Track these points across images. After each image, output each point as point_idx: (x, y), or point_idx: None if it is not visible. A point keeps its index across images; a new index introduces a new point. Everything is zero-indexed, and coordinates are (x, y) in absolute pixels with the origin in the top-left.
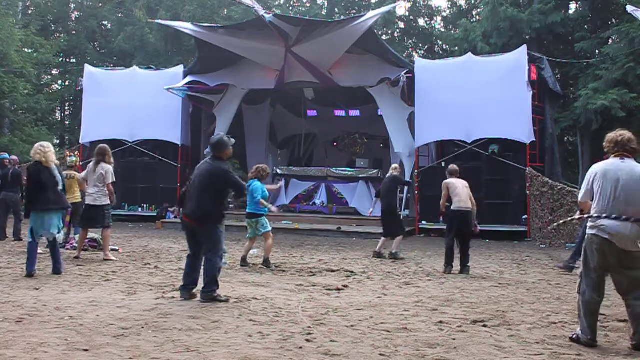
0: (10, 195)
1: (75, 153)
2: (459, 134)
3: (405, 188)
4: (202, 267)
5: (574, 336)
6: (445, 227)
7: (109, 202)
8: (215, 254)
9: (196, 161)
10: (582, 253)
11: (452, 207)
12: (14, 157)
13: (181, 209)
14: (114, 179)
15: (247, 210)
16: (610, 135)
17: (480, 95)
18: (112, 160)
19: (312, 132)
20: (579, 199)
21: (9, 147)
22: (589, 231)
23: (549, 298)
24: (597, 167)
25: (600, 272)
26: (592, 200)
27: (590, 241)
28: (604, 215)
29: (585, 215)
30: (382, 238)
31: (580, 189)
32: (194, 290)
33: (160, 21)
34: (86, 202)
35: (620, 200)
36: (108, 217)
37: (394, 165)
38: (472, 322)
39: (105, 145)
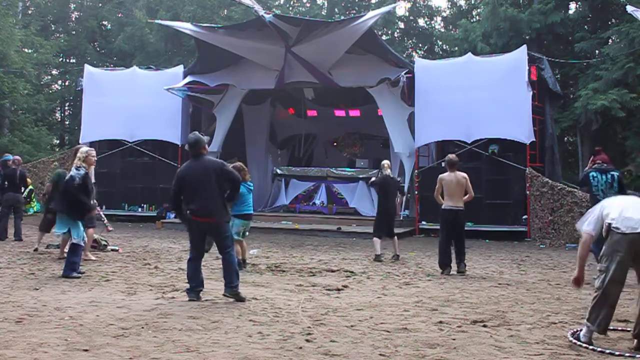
0: (18, 195)
1: None
2: (459, 134)
3: (405, 188)
4: (222, 264)
5: (576, 334)
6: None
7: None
8: (232, 247)
9: None
10: (612, 245)
11: (442, 207)
12: (17, 157)
13: (189, 211)
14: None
15: (247, 212)
16: None
17: (480, 95)
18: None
19: (312, 132)
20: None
21: (9, 147)
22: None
23: (549, 298)
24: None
25: (627, 264)
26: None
27: (622, 234)
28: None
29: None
30: (378, 239)
31: (579, 188)
32: (202, 292)
33: (160, 21)
34: None
35: None
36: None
37: (387, 163)
38: (472, 322)
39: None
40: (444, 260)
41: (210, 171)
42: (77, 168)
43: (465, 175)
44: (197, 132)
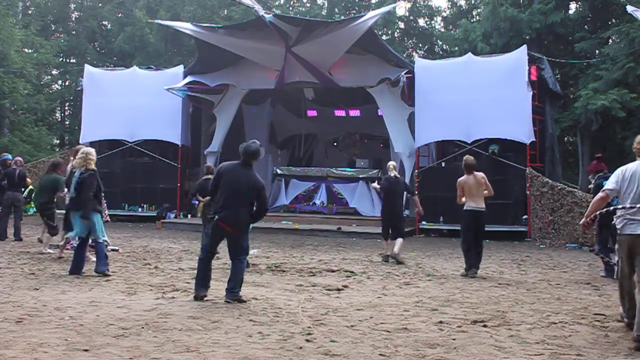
0: (17, 194)
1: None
2: (459, 134)
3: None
4: (231, 269)
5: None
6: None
7: None
8: (245, 257)
9: (196, 161)
10: (618, 241)
11: (464, 208)
12: (19, 158)
13: (217, 216)
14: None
15: None
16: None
17: (480, 95)
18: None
19: (312, 132)
20: (605, 187)
21: (9, 147)
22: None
23: (549, 298)
24: (626, 167)
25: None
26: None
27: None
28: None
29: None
30: (385, 241)
31: (580, 188)
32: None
33: (160, 21)
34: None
35: None
36: None
37: (393, 164)
38: (472, 322)
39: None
40: (468, 261)
41: (250, 185)
42: (87, 169)
43: (483, 174)
44: (257, 142)
